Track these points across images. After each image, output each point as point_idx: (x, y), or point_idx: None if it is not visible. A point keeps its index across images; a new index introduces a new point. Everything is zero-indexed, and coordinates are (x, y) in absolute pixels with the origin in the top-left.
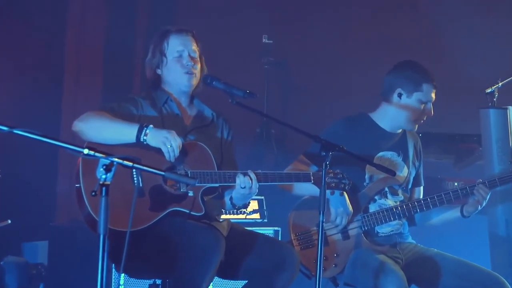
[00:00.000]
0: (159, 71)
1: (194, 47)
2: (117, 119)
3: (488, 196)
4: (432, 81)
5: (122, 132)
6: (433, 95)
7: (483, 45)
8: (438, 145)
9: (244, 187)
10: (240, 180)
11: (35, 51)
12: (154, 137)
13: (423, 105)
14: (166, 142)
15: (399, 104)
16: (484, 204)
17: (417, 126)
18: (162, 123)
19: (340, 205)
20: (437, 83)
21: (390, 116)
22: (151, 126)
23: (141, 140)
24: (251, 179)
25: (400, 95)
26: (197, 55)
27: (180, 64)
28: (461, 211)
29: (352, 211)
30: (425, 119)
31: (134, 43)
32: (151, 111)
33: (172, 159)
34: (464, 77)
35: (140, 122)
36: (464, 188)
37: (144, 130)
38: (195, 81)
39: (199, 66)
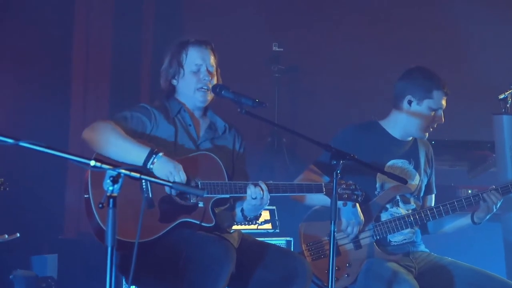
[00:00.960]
0: (174, 82)
1: (212, 60)
2: (129, 137)
3: (500, 203)
4: (442, 88)
5: (131, 153)
6: (443, 102)
7: (496, 51)
8: (451, 152)
9: (255, 198)
10: (251, 191)
11: (42, 60)
12: (160, 168)
13: (434, 112)
14: (170, 176)
15: (410, 112)
16: (494, 210)
17: (427, 134)
18: (175, 135)
19: (351, 215)
20: (450, 89)
21: (400, 124)
22: (160, 154)
23: (147, 167)
24: (262, 190)
25: (410, 102)
26: (214, 69)
27: (197, 79)
28: (472, 218)
29: (363, 220)
30: (435, 126)
31: (140, 50)
32: (164, 122)
33: (173, 193)
34: (477, 83)
35: (151, 145)
36: (477, 194)
37: (152, 159)
38: (209, 96)
39: (215, 80)
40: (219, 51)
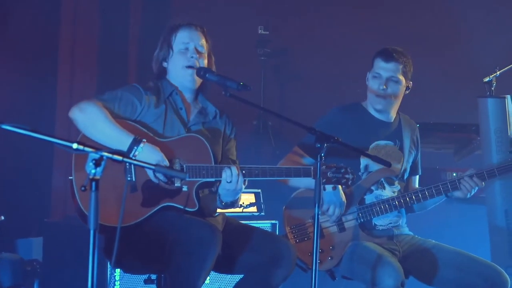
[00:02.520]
0: (165, 64)
1: (202, 42)
2: (115, 124)
3: (477, 188)
4: (384, 55)
5: (115, 142)
6: (385, 71)
7: (481, 34)
8: (437, 135)
9: (230, 182)
10: (227, 174)
11: (29, 42)
12: (143, 159)
13: (378, 79)
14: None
15: (368, 84)
16: (468, 196)
17: (384, 104)
18: (164, 117)
19: (333, 196)
20: (433, 71)
21: (369, 99)
22: (142, 145)
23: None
24: (238, 173)
25: (367, 79)
26: (204, 50)
27: (184, 57)
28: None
29: (345, 202)
30: (380, 94)
31: (128, 33)
32: (156, 103)
33: (157, 181)
34: (462, 66)
35: (137, 129)
36: (462, 177)
37: (134, 150)
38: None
39: (205, 61)
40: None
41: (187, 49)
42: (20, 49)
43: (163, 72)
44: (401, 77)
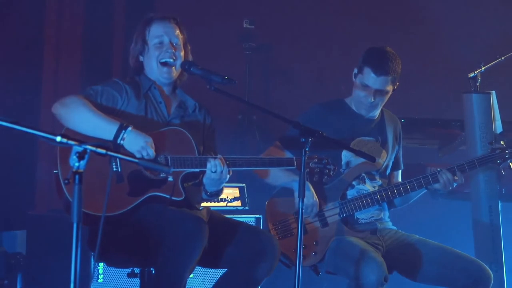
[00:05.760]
0: (141, 58)
1: (177, 34)
2: (99, 113)
3: (455, 184)
4: (375, 68)
5: (101, 129)
6: (374, 84)
7: (466, 30)
8: (421, 130)
9: (215, 172)
10: (211, 164)
11: (13, 35)
12: (130, 143)
13: (366, 89)
14: (142, 151)
15: (354, 85)
16: (450, 188)
17: (369, 111)
18: (145, 112)
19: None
20: (415, 72)
21: (354, 99)
22: (130, 129)
23: (118, 142)
24: (222, 163)
25: (355, 75)
26: (180, 42)
27: (159, 52)
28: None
29: (317, 200)
30: (368, 105)
31: (112, 26)
32: (135, 98)
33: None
34: (447, 62)
35: (121, 120)
36: (442, 170)
37: (122, 134)
38: (174, 72)
39: (182, 53)
40: (189, 27)
41: (161, 43)
42: (5, 43)
43: (140, 66)
44: (390, 87)
